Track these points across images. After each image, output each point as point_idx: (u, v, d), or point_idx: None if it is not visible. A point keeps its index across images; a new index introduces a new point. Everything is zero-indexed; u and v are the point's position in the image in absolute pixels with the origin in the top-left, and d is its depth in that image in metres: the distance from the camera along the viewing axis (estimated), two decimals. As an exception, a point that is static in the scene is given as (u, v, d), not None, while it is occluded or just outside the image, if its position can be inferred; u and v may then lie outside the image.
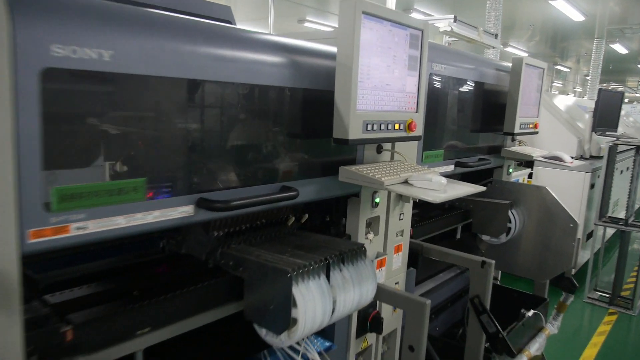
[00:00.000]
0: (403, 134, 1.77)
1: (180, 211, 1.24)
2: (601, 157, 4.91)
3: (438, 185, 1.56)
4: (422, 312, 1.60)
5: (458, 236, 3.07)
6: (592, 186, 4.70)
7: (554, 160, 2.83)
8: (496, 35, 4.64)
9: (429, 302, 1.60)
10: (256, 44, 1.41)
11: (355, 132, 1.54)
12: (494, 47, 4.66)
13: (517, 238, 2.76)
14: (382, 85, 1.65)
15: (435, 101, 2.28)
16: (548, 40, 16.73)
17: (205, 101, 1.29)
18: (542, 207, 2.67)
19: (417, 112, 1.85)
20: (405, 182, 1.62)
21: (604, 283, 4.98)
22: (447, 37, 4.97)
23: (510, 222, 2.71)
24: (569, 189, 4.71)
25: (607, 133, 4.83)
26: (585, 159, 4.99)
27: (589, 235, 4.89)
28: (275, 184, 1.50)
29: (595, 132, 4.78)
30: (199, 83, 1.26)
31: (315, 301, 1.34)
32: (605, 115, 4.80)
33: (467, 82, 2.55)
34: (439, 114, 2.35)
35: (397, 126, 1.73)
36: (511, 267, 2.81)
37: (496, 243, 2.79)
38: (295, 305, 1.31)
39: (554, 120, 4.98)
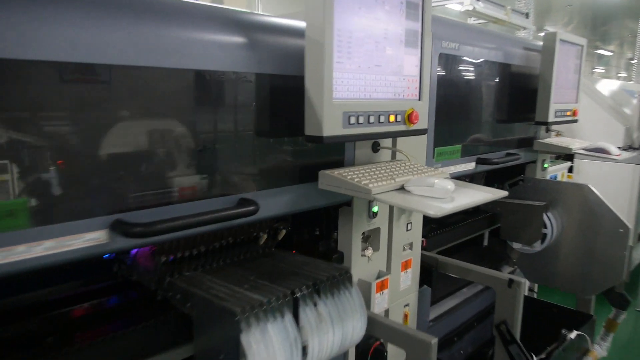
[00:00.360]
0: (401, 128, 1.42)
1: (88, 239, 0.94)
2: (653, 147, 4.35)
3: (442, 192, 1.20)
4: (427, 354, 1.25)
5: (485, 243, 2.68)
6: (643, 179, 4.16)
7: (598, 152, 2.40)
8: (527, 15, 4.18)
9: (435, 340, 1.25)
10: (194, 16, 1.10)
11: (332, 127, 1.20)
12: (524, 28, 4.19)
13: (554, 246, 2.34)
14: (370, 67, 1.31)
15: (448, 87, 1.91)
16: (587, 23, 15.72)
17: (121, 90, 0.98)
18: (585, 209, 2.25)
19: (420, 99, 1.50)
20: (402, 188, 1.27)
21: (660, 288, 4.42)
22: (472, 18, 4.53)
23: (545, 227, 2.30)
24: (616, 184, 4.19)
25: (658, 119, 4.28)
26: (635, 149, 4.44)
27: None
28: (233, 196, 1.18)
29: (645, 119, 4.24)
30: (111, 69, 0.95)
31: (275, 350, 1.02)
32: (657, 98, 4.24)
33: (489, 64, 2.15)
34: (454, 103, 1.98)
35: (392, 118, 1.38)
36: (549, 279, 2.40)
37: (530, 252, 2.38)
38: (244, 356, 0.99)
39: (596, 107, 4.45)
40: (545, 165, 2.75)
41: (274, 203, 1.25)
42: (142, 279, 1.30)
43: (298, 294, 1.11)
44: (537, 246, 2.32)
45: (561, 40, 2.34)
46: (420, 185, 1.23)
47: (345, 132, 1.24)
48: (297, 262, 1.33)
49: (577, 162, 4.23)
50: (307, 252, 1.58)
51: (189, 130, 1.10)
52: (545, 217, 2.29)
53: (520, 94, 2.44)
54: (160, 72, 1.02)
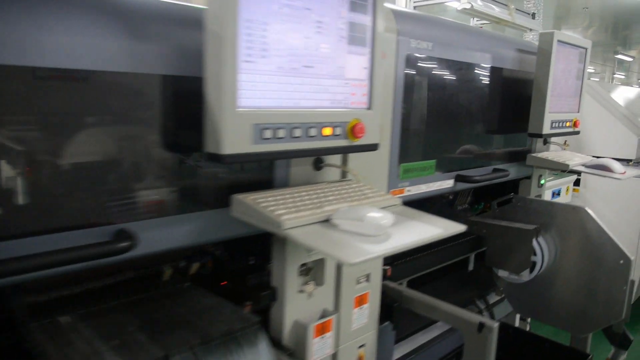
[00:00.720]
0: (341, 143, 1.17)
1: None
2: (669, 160, 4.02)
3: (374, 228, 0.95)
4: None
5: (470, 267, 2.39)
6: (656, 196, 3.83)
7: (599, 169, 2.11)
8: (533, 15, 3.88)
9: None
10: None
11: (236, 144, 0.95)
12: (531, 30, 3.89)
13: (546, 276, 2.06)
14: (297, 68, 1.06)
15: (418, 93, 1.64)
16: (608, 27, 15.19)
17: None
18: (581, 236, 1.96)
19: (370, 108, 1.24)
20: (327, 221, 1.02)
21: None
22: (474, 19, 4.24)
23: (535, 254, 2.02)
24: (628, 200, 3.87)
25: (676, 130, 3.93)
26: (649, 162, 4.11)
27: (653, 257, 4.01)
28: (109, 227, 0.94)
29: (661, 130, 3.90)
30: None
31: None
32: (675, 108, 3.90)
33: (473, 67, 1.88)
34: (427, 111, 1.71)
35: (327, 131, 1.13)
36: (539, 313, 2.12)
37: (517, 281, 2.10)
38: None
39: (608, 116, 4.12)
40: (542, 182, 2.46)
41: (167, 234, 1.01)
42: (17, 320, 1.07)
43: (174, 358, 0.86)
44: (525, 275, 2.04)
45: (559, 41, 2.06)
46: (348, 219, 0.98)
47: (257, 149, 0.99)
48: (201, 306, 1.09)
49: (585, 174, 3.90)
50: (238, 286, 1.34)
51: (50, 141, 0.87)
52: (535, 243, 2.01)
53: (513, 102, 2.17)
54: None
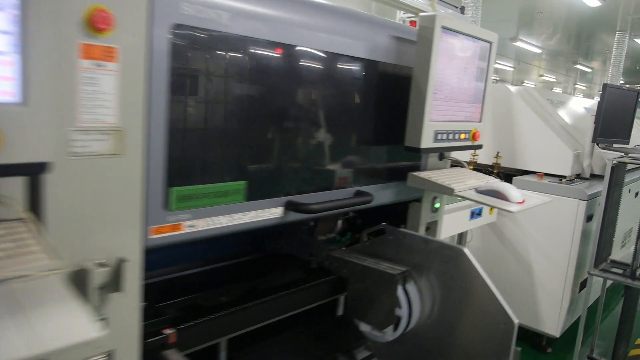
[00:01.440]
0: None
1: None
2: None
3: None
4: None
5: (339, 312, 1.91)
6: (589, 218, 3.44)
7: (491, 197, 1.65)
8: (462, 9, 3.43)
9: None
10: None
11: None
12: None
13: (419, 334, 1.59)
14: None
15: (209, 83, 1.13)
16: (571, 38, 15.17)
17: None
18: (460, 286, 1.50)
19: (23, 104, 0.72)
20: None
21: (602, 349, 3.70)
22: (401, 12, 3.79)
23: (400, 306, 1.54)
24: (560, 220, 3.48)
25: (614, 146, 3.57)
26: (585, 179, 3.73)
27: (583, 285, 3.64)
28: None
29: (598, 144, 3.53)
30: None
31: None
32: (613, 121, 3.53)
33: (313, 55, 1.39)
34: (231, 110, 1.20)
35: None
36: (408, 380, 1.64)
37: (381, 340, 1.62)
38: None
39: (545, 129, 3.72)
40: (437, 205, 2.00)
41: None
42: None
43: None
44: (389, 334, 1.56)
45: (445, 28, 1.59)
46: None
47: None
48: None
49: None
50: None
51: None
52: (402, 292, 1.54)
53: (389, 106, 1.69)
54: None
